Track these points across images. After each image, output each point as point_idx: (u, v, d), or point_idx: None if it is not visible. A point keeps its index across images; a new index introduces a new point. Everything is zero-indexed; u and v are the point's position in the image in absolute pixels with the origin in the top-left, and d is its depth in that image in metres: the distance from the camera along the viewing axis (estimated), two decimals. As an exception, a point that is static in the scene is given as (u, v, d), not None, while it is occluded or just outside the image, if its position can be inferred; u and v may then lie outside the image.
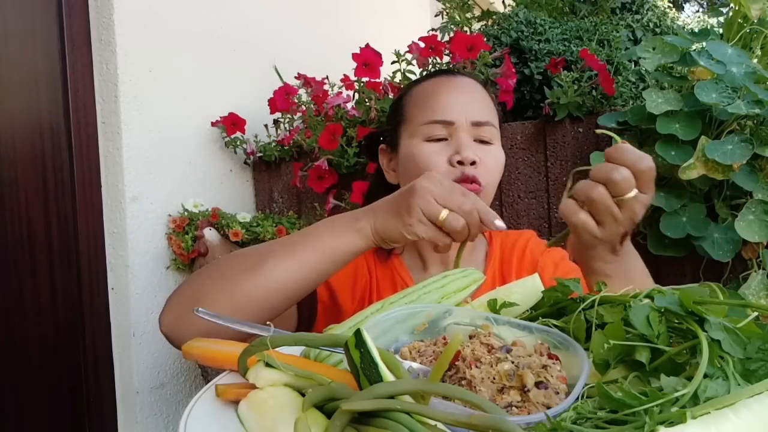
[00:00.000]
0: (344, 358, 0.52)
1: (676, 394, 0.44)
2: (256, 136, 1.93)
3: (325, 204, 1.71)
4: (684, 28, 2.12)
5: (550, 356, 0.56)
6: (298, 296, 0.84)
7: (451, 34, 1.66)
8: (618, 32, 1.72)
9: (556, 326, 0.62)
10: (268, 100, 1.85)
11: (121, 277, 1.69)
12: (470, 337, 0.60)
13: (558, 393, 0.51)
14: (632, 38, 1.87)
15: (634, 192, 0.70)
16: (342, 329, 0.69)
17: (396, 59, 1.64)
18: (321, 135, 1.64)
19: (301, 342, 0.60)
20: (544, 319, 0.65)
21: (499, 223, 0.76)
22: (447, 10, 1.89)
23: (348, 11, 2.55)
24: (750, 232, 1.12)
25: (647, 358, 0.52)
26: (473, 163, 0.98)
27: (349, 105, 1.75)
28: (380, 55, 1.65)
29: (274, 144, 1.89)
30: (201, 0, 1.89)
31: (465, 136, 1.00)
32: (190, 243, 1.70)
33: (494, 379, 0.53)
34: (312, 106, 1.82)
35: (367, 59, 1.64)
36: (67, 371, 1.63)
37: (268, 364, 0.54)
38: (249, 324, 0.67)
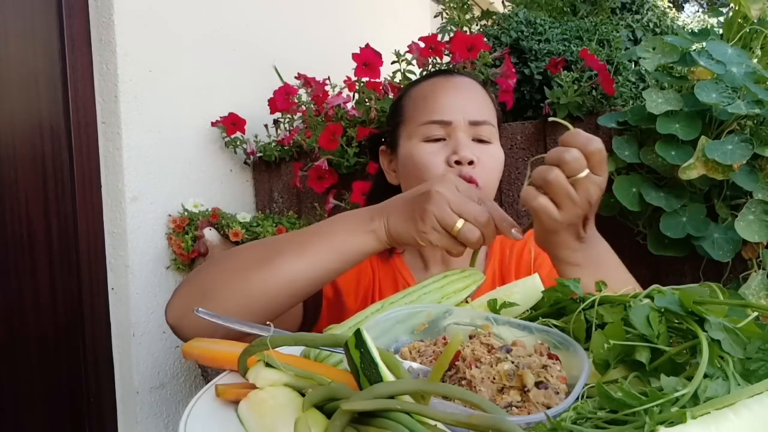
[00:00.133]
0: (344, 358, 0.52)
1: (676, 394, 0.44)
2: (256, 136, 1.93)
3: (325, 204, 1.71)
4: (684, 28, 2.12)
5: (550, 356, 0.56)
6: (308, 293, 0.84)
7: (451, 35, 1.66)
8: (618, 32, 1.72)
9: (556, 326, 0.62)
10: (268, 100, 1.85)
11: (121, 277, 1.69)
12: (470, 337, 0.60)
13: (558, 393, 0.51)
14: (632, 38, 1.87)
15: (585, 171, 0.72)
16: (342, 329, 0.69)
17: (396, 59, 1.64)
18: (321, 135, 1.64)
19: (301, 342, 0.60)
20: (544, 319, 0.65)
21: (516, 232, 0.76)
22: (447, 11, 1.89)
23: (348, 11, 2.55)
24: (750, 232, 1.12)
25: (647, 358, 0.52)
26: (471, 162, 0.98)
27: (349, 105, 1.75)
28: (380, 55, 1.65)
29: (274, 144, 1.89)
30: (201, 0, 1.89)
31: (463, 135, 1.00)
32: (190, 243, 1.70)
33: (494, 379, 0.53)
34: (312, 106, 1.82)
35: (367, 59, 1.64)
36: (67, 371, 1.63)
37: (268, 364, 0.54)
38: (249, 324, 0.67)
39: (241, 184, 2.01)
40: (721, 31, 1.32)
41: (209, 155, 1.91)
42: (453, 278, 0.78)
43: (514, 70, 1.53)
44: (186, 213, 1.77)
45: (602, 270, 0.79)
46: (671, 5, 2.31)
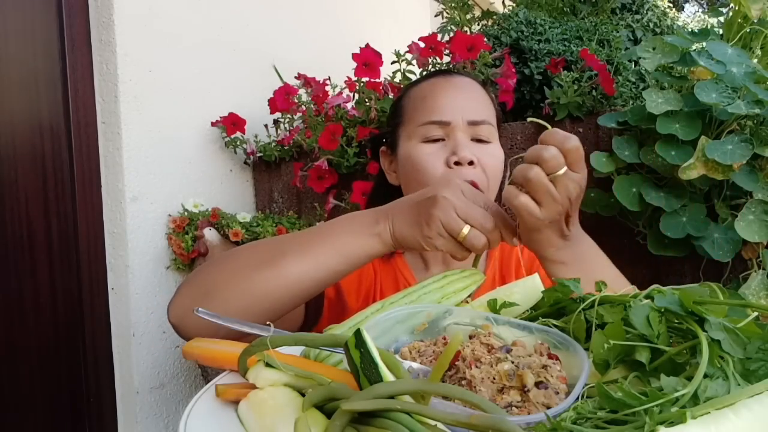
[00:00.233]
0: (344, 358, 0.52)
1: (676, 394, 0.44)
2: (256, 136, 1.93)
3: (325, 204, 1.71)
4: (684, 28, 2.12)
5: (550, 356, 0.56)
6: (312, 294, 0.84)
7: (451, 34, 1.66)
8: (618, 32, 1.71)
9: (556, 326, 0.62)
10: (268, 100, 1.85)
11: (121, 277, 1.69)
12: (470, 337, 0.60)
13: (558, 393, 0.51)
14: (632, 38, 1.87)
15: (564, 169, 0.73)
16: (342, 329, 0.69)
17: (396, 59, 1.64)
18: (321, 135, 1.64)
19: (301, 342, 0.60)
20: (544, 319, 0.65)
21: (516, 241, 0.78)
22: (447, 11, 1.89)
23: (348, 11, 2.55)
24: (750, 232, 1.11)
25: (647, 358, 0.52)
26: (471, 163, 0.98)
27: (349, 105, 1.75)
28: (380, 55, 1.65)
29: (274, 144, 1.89)
30: (201, 0, 1.89)
31: (462, 135, 1.00)
32: (190, 243, 1.71)
33: (494, 379, 0.53)
34: (312, 106, 1.82)
35: (367, 59, 1.64)
36: (67, 371, 1.63)
37: (268, 364, 0.54)
38: (249, 324, 0.67)
39: (241, 184, 2.01)
40: (721, 31, 1.32)
41: (209, 155, 1.91)
42: (453, 278, 0.78)
43: (514, 70, 1.53)
44: (186, 213, 1.77)
45: (589, 267, 0.80)
46: (671, 5, 2.31)
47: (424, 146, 1.01)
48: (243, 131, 1.88)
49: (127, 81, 1.66)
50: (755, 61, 1.24)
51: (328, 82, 1.81)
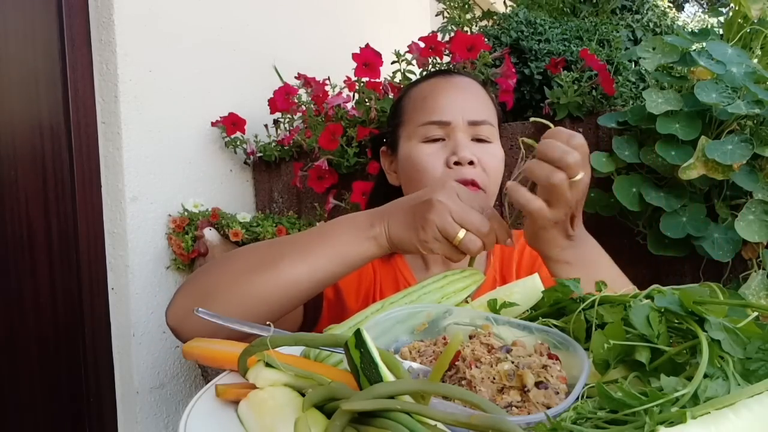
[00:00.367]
0: (344, 358, 0.52)
1: (676, 394, 0.44)
2: (256, 136, 1.93)
3: (325, 204, 1.71)
4: (684, 28, 2.12)
5: (550, 356, 0.56)
6: (309, 296, 0.84)
7: (451, 34, 1.66)
8: (618, 32, 1.71)
9: (556, 326, 0.62)
10: (268, 100, 1.85)
11: (121, 277, 1.69)
12: (470, 337, 0.60)
13: (558, 393, 0.51)
14: (632, 38, 1.87)
15: (581, 174, 0.72)
16: (342, 329, 0.69)
17: (396, 59, 1.64)
18: (321, 135, 1.64)
19: (301, 342, 0.60)
20: (544, 319, 0.65)
21: (510, 242, 0.79)
22: (447, 11, 1.89)
23: (348, 11, 2.55)
24: (750, 232, 1.11)
25: (647, 358, 0.52)
26: (471, 163, 0.98)
27: (349, 105, 1.75)
28: (380, 55, 1.65)
29: (274, 144, 1.89)
30: (201, 0, 1.89)
31: (462, 135, 1.00)
32: (190, 243, 1.70)
33: (494, 379, 0.53)
34: (312, 106, 1.82)
35: (367, 59, 1.64)
36: (67, 371, 1.63)
37: (268, 364, 0.54)
38: (249, 324, 0.67)
39: (241, 184, 2.01)
40: (721, 31, 1.32)
41: (209, 155, 1.91)
42: (453, 278, 0.78)
43: (514, 70, 1.53)
44: (186, 213, 1.77)
45: (593, 268, 0.80)
46: (671, 5, 2.30)
47: (424, 146, 1.01)
48: (243, 131, 1.88)
49: (127, 81, 1.66)
50: (755, 61, 1.24)
51: (327, 82, 1.81)
